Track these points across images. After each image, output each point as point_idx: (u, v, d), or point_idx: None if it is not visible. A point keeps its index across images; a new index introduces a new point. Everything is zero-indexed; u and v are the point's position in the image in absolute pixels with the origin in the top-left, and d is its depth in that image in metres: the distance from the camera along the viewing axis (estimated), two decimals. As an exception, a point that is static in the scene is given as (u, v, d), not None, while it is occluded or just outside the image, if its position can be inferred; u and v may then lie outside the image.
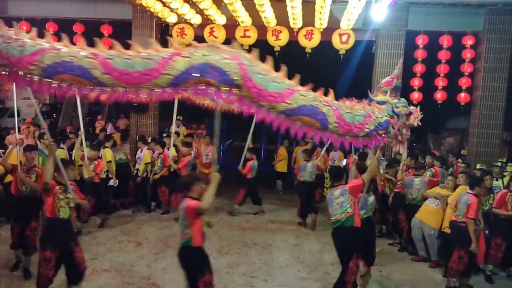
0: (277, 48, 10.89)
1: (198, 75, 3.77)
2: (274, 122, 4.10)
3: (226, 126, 14.25)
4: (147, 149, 9.86)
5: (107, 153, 9.18)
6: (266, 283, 6.28)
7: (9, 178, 8.09)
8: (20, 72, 3.78)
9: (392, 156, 9.92)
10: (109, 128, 12.99)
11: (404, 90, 11.19)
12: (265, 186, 12.54)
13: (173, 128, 12.68)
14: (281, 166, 12.44)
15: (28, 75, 3.78)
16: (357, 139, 4.41)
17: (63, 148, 9.06)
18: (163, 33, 11.86)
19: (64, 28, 11.67)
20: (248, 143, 9.63)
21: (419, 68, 11.20)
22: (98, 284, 5.95)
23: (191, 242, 4.53)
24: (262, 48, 10.26)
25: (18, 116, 7.89)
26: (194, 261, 4.56)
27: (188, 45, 3.99)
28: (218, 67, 3.81)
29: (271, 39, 10.88)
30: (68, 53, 3.75)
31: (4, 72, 3.81)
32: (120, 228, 8.49)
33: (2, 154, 8.12)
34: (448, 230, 6.68)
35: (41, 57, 3.71)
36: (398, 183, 8.04)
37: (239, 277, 6.44)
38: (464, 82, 11.04)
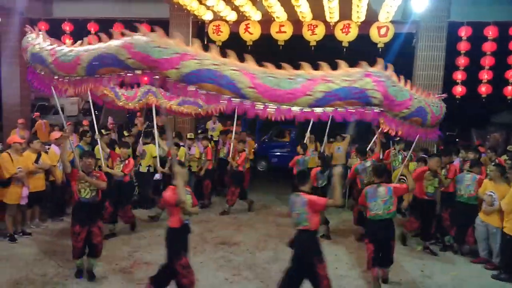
0: (312, 43, 10.80)
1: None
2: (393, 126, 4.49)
3: (261, 122, 14.31)
4: (181, 145, 9.97)
5: (152, 149, 9.37)
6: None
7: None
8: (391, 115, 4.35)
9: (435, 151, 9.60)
10: (109, 121, 13.03)
11: (446, 84, 10.91)
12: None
13: (209, 124, 12.86)
14: (311, 161, 12.19)
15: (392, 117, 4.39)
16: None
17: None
18: (200, 30, 11.99)
19: (104, 28, 11.99)
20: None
21: (462, 61, 10.83)
22: (139, 277, 6.09)
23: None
24: (298, 43, 10.20)
25: (63, 113, 8.17)
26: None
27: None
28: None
29: (306, 33, 10.79)
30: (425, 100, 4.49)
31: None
32: (159, 222, 8.65)
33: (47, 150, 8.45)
34: (508, 231, 6.48)
35: (412, 102, 4.31)
36: (446, 182, 7.67)
37: (276, 272, 6.42)
38: (511, 74, 10.57)
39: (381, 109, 4.23)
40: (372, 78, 4.10)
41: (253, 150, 11.96)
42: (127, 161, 7.91)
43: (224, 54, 4.22)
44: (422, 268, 6.83)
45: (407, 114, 4.37)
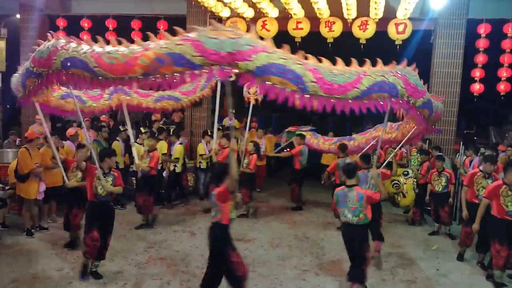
0: (330, 40, 10.71)
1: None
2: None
3: (277, 118, 14.30)
4: (179, 143, 9.91)
5: (163, 145, 9.43)
6: (318, 276, 6.24)
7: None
8: None
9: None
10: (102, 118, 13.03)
11: (464, 82, 10.76)
12: (318, 179, 12.45)
13: (226, 121, 12.89)
14: (327, 159, 12.05)
15: None
16: (346, 101, 4.67)
17: (118, 140, 9.43)
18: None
19: (123, 24, 12.10)
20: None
21: (480, 59, 10.65)
22: (155, 272, 6.16)
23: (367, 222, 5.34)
24: (315, 40, 10.17)
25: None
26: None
27: None
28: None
29: (324, 30, 10.71)
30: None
31: None
32: (175, 218, 8.74)
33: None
34: None
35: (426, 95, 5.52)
36: None
37: (290, 269, 6.44)
38: (530, 72, 10.38)
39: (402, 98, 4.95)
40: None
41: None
42: (151, 154, 8.13)
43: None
44: (438, 267, 6.80)
45: (421, 103, 5.31)
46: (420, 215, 8.93)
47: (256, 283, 5.98)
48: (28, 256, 6.58)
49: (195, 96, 9.03)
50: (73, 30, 12.53)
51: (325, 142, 10.00)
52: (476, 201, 6.56)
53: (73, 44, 4.92)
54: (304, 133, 10.38)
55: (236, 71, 4.32)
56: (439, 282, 6.26)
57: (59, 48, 4.90)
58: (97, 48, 4.73)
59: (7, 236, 7.37)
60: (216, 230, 4.92)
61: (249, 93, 9.10)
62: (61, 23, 12.54)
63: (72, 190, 6.78)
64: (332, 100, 4.57)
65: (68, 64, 4.83)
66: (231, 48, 4.14)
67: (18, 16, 12.87)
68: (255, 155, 8.99)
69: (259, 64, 4.19)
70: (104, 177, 5.79)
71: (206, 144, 10.01)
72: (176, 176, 9.85)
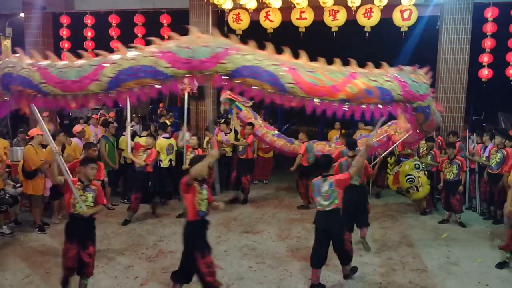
0: (334, 29, 10.60)
1: None
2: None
3: (283, 111, 14.26)
4: (163, 137, 9.38)
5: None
6: (327, 267, 6.21)
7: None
8: None
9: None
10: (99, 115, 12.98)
11: (472, 67, 10.62)
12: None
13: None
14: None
15: None
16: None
17: (125, 135, 9.42)
18: (220, 19, 11.94)
19: (126, 20, 12.09)
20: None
21: (488, 43, 10.48)
22: (164, 265, 6.19)
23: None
24: (319, 29, 10.08)
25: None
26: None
27: None
28: None
29: (328, 19, 10.59)
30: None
31: None
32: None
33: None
34: None
35: None
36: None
37: (299, 261, 6.44)
38: (540, 56, 10.22)
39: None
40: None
41: None
42: (149, 151, 8.24)
43: (245, 43, 4.27)
44: (448, 255, 6.76)
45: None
46: (431, 203, 8.90)
47: (266, 274, 5.99)
48: (41, 252, 6.65)
49: None
50: (76, 27, 12.58)
51: (264, 128, 10.07)
52: None
53: (247, 48, 4.35)
54: (243, 108, 10.12)
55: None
56: (450, 270, 6.23)
57: (232, 51, 4.23)
58: (289, 62, 4.41)
59: (20, 233, 7.46)
60: (337, 215, 5.38)
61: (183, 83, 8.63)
62: (64, 20, 12.58)
63: (86, 219, 5.08)
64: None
65: (246, 73, 4.24)
66: (423, 92, 4.92)
67: (22, 15, 12.90)
68: (200, 150, 8.78)
69: (426, 105, 5.07)
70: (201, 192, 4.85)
71: (224, 133, 10.28)
72: (161, 171, 9.14)
